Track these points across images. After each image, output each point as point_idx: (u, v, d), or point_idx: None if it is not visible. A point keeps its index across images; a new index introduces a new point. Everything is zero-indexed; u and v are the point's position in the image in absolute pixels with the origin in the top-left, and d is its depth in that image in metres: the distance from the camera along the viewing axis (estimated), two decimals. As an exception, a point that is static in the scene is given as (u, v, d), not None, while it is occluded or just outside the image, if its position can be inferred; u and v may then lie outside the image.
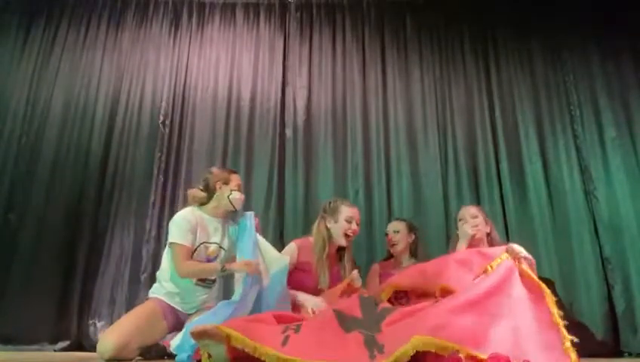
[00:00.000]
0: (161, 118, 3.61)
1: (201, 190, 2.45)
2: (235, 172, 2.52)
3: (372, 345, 1.59)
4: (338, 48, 3.86)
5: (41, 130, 3.51)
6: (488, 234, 2.48)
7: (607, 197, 3.27)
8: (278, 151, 3.54)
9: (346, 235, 2.40)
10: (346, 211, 2.42)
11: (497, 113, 3.61)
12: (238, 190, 2.43)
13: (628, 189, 3.26)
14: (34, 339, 2.94)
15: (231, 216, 2.49)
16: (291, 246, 2.44)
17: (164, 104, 3.65)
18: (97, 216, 3.33)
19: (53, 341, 2.97)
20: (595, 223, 3.23)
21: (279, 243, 3.25)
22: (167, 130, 3.59)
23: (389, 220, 3.32)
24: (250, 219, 2.37)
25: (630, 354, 2.88)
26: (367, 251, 3.23)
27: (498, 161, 3.49)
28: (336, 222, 2.41)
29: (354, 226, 2.41)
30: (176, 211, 2.46)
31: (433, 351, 1.47)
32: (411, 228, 2.75)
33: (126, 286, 3.14)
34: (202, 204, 2.43)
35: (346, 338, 1.66)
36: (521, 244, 3.15)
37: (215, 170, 2.53)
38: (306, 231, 3.15)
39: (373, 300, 1.98)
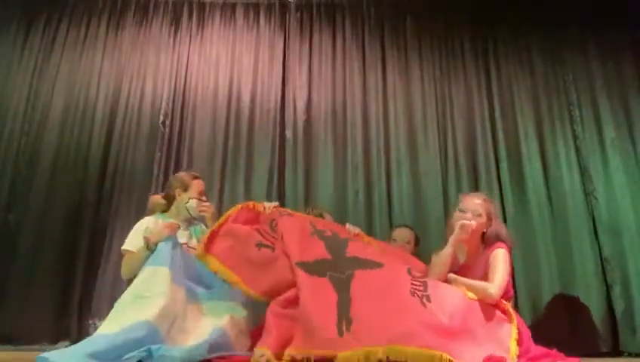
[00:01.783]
0: (161, 118, 3.61)
1: (163, 197, 2.47)
2: (197, 178, 2.47)
3: (343, 314, 1.69)
4: (338, 48, 3.86)
5: (41, 130, 3.51)
6: (484, 233, 2.15)
7: (607, 198, 3.26)
8: (278, 152, 3.54)
9: None
10: (328, 218, 2.57)
11: (497, 113, 3.61)
12: (198, 197, 2.39)
13: (627, 189, 3.26)
14: (34, 339, 2.94)
15: (195, 222, 2.47)
16: None
17: (164, 104, 3.65)
18: (97, 216, 3.34)
19: (53, 341, 2.97)
20: (595, 223, 3.23)
21: (279, 244, 3.26)
22: (167, 130, 3.59)
23: (390, 220, 3.34)
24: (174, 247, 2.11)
25: (629, 354, 2.88)
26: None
27: (498, 160, 3.49)
28: None
29: None
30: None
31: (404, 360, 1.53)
32: (417, 241, 2.79)
33: (126, 286, 3.13)
34: (164, 211, 2.44)
35: (316, 282, 1.82)
36: (520, 244, 3.20)
37: (179, 175, 2.53)
38: (306, 231, 3.17)
39: (338, 239, 2.09)
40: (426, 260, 2.91)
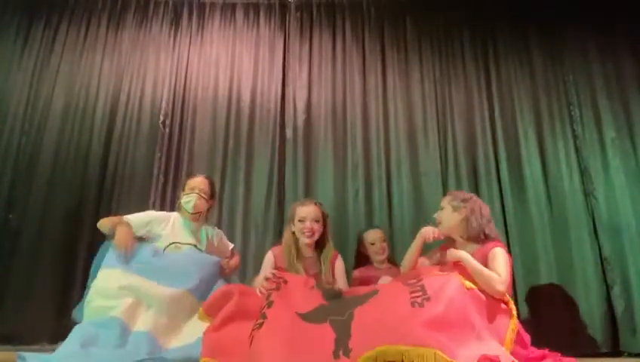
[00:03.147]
0: (161, 118, 3.62)
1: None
2: (190, 176, 2.63)
3: (340, 345, 1.64)
4: (338, 48, 3.86)
5: (41, 130, 3.51)
6: (465, 220, 2.21)
7: (607, 198, 3.26)
8: (278, 151, 3.55)
9: (304, 234, 2.34)
10: (298, 212, 2.39)
11: (497, 113, 3.61)
12: (189, 193, 2.51)
13: (627, 190, 3.25)
14: (34, 339, 2.93)
15: (203, 220, 2.59)
16: (269, 256, 2.40)
17: (164, 104, 3.65)
18: (97, 216, 3.30)
19: (53, 341, 2.96)
20: (595, 223, 3.22)
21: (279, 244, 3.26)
22: (167, 130, 3.59)
23: (390, 220, 3.34)
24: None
25: (629, 354, 2.88)
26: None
27: (498, 161, 3.48)
28: (294, 225, 2.39)
29: (307, 224, 2.35)
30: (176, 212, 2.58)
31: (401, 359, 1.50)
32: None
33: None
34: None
35: (314, 330, 1.73)
36: (520, 244, 3.21)
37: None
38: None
39: (337, 292, 2.01)
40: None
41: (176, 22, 3.92)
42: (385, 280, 2.49)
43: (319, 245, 2.41)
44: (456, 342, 1.59)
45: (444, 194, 3.34)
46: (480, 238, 2.18)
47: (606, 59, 3.63)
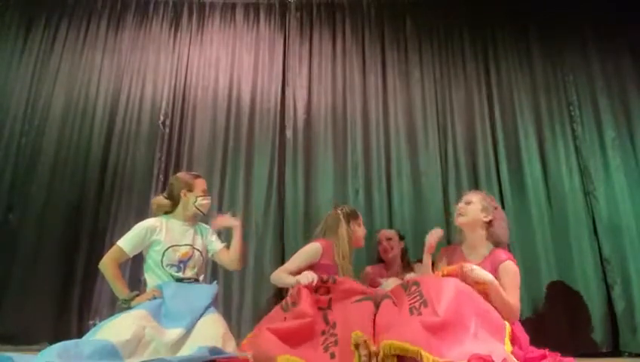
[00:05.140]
0: (161, 118, 3.62)
1: (166, 198, 2.48)
2: (199, 176, 2.53)
3: None
4: (338, 48, 3.86)
5: (41, 130, 3.51)
6: (489, 223, 2.23)
7: (607, 198, 3.27)
8: (278, 151, 3.55)
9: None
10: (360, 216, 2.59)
11: (497, 113, 3.61)
12: (204, 195, 2.45)
13: (627, 189, 3.26)
14: (34, 339, 2.94)
15: (199, 219, 2.54)
16: (317, 246, 2.40)
17: (164, 104, 3.65)
18: (97, 216, 3.34)
19: (53, 341, 2.95)
20: (595, 223, 3.23)
21: (279, 244, 3.27)
22: (167, 130, 3.59)
23: (390, 220, 3.35)
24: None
25: (629, 354, 2.88)
26: (367, 251, 3.22)
27: (498, 160, 3.49)
28: (359, 226, 2.54)
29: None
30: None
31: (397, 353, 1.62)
32: (401, 237, 2.96)
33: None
34: (168, 212, 2.46)
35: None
36: (520, 244, 3.21)
37: (179, 175, 2.54)
38: (306, 231, 3.18)
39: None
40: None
41: (176, 22, 3.92)
42: (388, 284, 2.51)
43: None
44: (449, 342, 1.61)
45: (444, 194, 3.39)
46: (497, 243, 2.23)
47: (606, 59, 3.63)
